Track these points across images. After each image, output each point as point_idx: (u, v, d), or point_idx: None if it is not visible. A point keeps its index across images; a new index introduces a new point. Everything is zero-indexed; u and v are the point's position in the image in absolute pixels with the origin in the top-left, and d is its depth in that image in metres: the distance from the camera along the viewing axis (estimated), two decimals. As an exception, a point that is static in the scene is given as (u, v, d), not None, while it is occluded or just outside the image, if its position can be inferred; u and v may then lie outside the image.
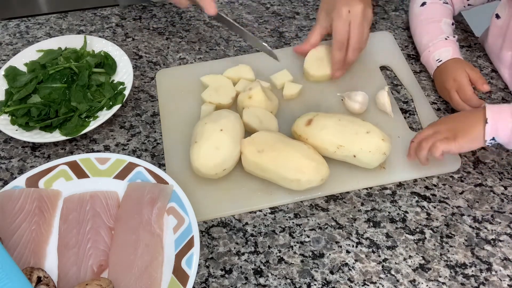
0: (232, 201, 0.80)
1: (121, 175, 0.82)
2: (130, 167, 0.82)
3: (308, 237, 0.77)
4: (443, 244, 0.76)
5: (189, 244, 0.73)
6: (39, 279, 0.68)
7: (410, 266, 0.74)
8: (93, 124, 0.89)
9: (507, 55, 0.94)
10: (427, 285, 0.72)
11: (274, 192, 0.81)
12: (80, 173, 0.82)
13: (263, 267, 0.74)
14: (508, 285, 0.71)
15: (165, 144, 0.88)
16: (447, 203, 0.80)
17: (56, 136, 0.88)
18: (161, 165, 0.86)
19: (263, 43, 0.95)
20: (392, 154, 0.83)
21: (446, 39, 0.93)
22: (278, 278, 0.73)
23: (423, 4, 0.98)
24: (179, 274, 0.70)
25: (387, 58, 1.00)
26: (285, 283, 0.72)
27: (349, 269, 0.74)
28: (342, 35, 0.87)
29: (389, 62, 0.99)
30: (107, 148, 0.90)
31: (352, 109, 0.89)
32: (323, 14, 0.93)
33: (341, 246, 0.76)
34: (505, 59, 0.95)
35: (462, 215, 0.79)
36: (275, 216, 0.80)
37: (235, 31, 0.96)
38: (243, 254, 0.76)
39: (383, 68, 0.99)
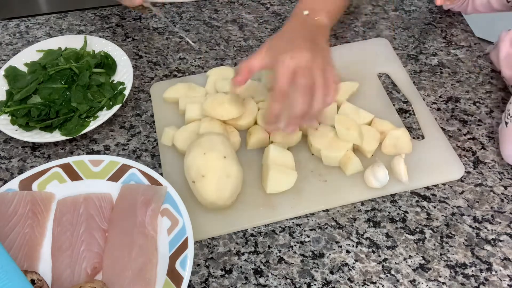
0: (233, 218, 0.79)
1: (114, 177, 0.81)
2: (123, 169, 0.81)
3: (308, 237, 0.77)
4: (443, 244, 0.76)
5: (183, 246, 0.72)
6: (33, 282, 0.67)
7: (410, 266, 0.74)
8: (93, 124, 0.89)
9: None
10: (427, 285, 0.72)
11: (277, 206, 0.80)
12: (73, 176, 0.81)
13: (263, 267, 0.74)
14: (508, 285, 0.71)
15: (161, 151, 0.87)
16: (447, 203, 0.80)
17: (56, 136, 0.88)
18: (160, 165, 0.86)
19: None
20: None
21: None
22: (278, 278, 0.73)
23: None
24: (173, 275, 0.70)
25: (384, 64, 0.99)
26: (285, 283, 0.72)
27: (349, 269, 0.74)
28: (282, 82, 0.71)
29: (386, 69, 0.98)
30: (107, 148, 0.90)
31: (370, 184, 0.80)
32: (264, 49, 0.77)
33: (341, 246, 0.76)
34: None
35: (462, 215, 0.79)
36: (275, 216, 0.80)
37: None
38: (243, 254, 0.76)
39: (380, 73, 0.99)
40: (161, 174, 0.84)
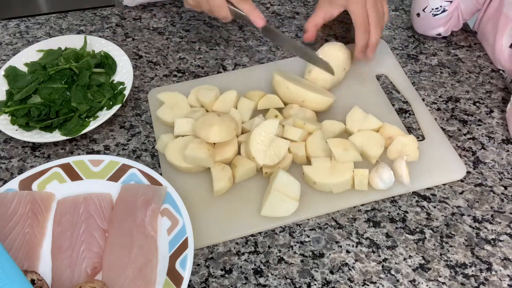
0: (234, 224, 0.78)
1: (114, 177, 0.81)
2: (123, 169, 0.81)
3: (308, 237, 0.77)
4: (443, 244, 0.76)
5: (183, 246, 0.72)
6: (32, 282, 0.67)
7: (410, 266, 0.74)
8: (93, 124, 0.89)
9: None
10: (427, 285, 0.72)
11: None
12: (73, 175, 0.81)
13: (263, 267, 0.74)
14: (508, 285, 0.72)
15: (160, 154, 0.87)
16: (447, 203, 0.80)
17: (56, 136, 0.88)
18: (160, 165, 0.86)
19: (317, 55, 0.91)
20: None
21: None
22: (278, 278, 0.73)
23: None
24: (173, 275, 0.70)
25: (383, 66, 0.99)
26: (285, 283, 0.72)
27: (349, 269, 0.74)
28: (362, 17, 0.88)
29: (385, 70, 0.98)
30: (107, 148, 0.90)
31: (376, 186, 0.80)
32: (326, 2, 0.92)
33: (341, 246, 0.76)
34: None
35: (462, 215, 0.79)
36: (275, 216, 0.80)
37: (282, 44, 0.90)
38: (243, 254, 0.76)
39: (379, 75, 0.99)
40: (161, 174, 0.84)
